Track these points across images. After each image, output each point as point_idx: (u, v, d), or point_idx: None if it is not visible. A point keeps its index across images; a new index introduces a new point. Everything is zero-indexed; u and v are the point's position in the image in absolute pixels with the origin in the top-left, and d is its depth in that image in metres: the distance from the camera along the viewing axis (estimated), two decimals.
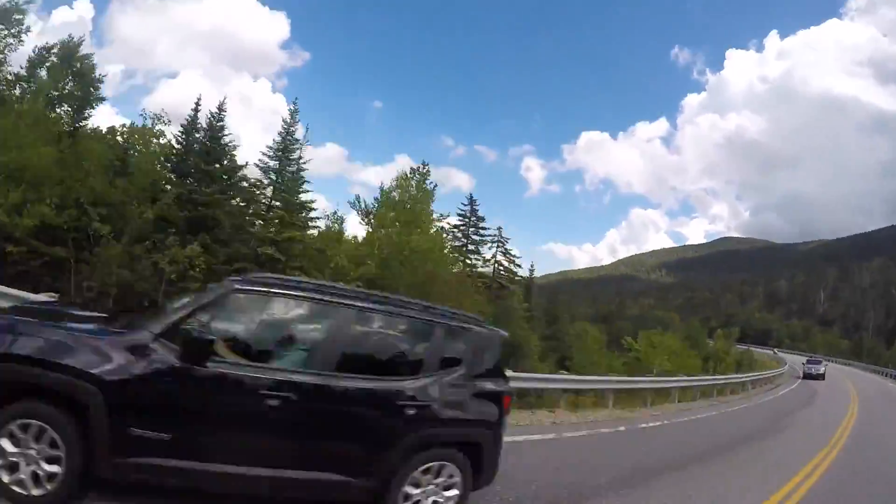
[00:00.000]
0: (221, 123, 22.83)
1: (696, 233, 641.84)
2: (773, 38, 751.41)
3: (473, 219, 38.50)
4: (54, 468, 2.99)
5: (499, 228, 40.45)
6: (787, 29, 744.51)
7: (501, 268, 40.55)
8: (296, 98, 32.71)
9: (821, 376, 34.89)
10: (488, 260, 39.66)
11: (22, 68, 20.01)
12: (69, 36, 21.31)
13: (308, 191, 24.25)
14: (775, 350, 64.39)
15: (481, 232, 38.97)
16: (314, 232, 25.07)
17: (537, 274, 56.32)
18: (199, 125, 22.77)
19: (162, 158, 21.98)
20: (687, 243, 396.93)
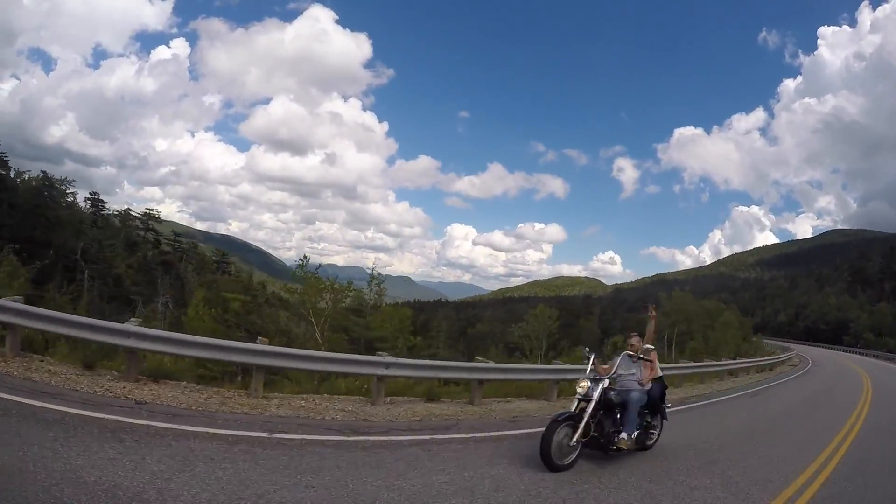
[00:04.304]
0: None
1: (804, 229, 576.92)
2: (864, 10, 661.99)
3: None
4: None
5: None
6: None
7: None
8: None
9: None
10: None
11: None
12: None
13: None
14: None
15: None
16: None
17: (631, 279, 52.84)
18: None
19: None
20: (793, 240, 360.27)
